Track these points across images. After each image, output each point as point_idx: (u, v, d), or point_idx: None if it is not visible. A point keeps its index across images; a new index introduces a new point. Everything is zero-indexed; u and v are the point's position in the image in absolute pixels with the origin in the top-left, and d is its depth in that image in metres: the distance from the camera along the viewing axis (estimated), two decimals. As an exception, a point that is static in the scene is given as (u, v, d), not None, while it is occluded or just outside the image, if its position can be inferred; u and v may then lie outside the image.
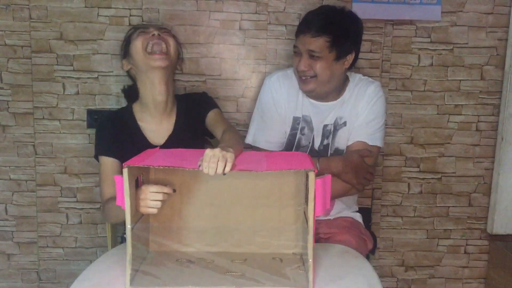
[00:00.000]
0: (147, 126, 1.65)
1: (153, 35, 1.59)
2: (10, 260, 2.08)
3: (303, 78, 1.66)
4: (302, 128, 1.75)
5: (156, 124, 1.66)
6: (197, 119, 1.68)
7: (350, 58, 1.67)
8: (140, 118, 1.66)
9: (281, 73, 1.78)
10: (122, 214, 1.39)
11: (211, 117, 1.68)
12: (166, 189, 1.24)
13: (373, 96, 1.72)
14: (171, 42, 1.63)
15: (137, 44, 1.60)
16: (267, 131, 1.76)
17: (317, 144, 1.76)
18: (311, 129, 1.75)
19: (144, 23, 1.90)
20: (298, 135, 1.76)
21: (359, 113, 1.72)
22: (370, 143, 1.71)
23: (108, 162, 1.57)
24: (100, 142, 1.62)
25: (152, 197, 1.22)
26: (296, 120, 1.75)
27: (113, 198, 1.41)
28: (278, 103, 1.74)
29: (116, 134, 1.61)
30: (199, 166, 1.13)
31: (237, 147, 1.34)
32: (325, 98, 1.73)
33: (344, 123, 1.73)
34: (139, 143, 1.61)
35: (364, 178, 1.69)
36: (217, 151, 1.15)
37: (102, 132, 1.63)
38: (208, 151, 1.16)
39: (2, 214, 2.05)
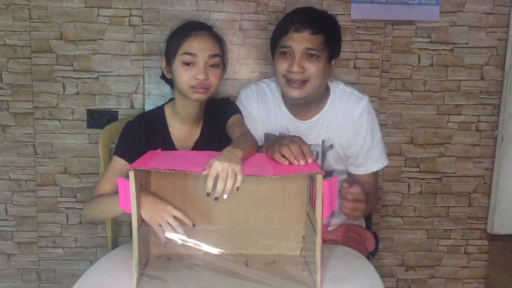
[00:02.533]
0: (176, 132, 1.60)
1: (199, 79, 1.48)
2: (10, 260, 2.08)
3: (294, 83, 1.52)
4: None
5: (184, 130, 1.61)
6: (221, 125, 1.63)
7: (334, 62, 1.60)
8: (171, 124, 1.60)
9: (254, 86, 1.71)
10: (108, 214, 1.44)
11: (231, 122, 1.61)
12: (187, 221, 1.24)
13: (365, 120, 1.60)
14: (216, 77, 1.51)
15: (181, 76, 1.50)
16: None
17: None
18: None
19: (192, 21, 1.61)
20: None
21: (354, 140, 1.61)
22: (377, 169, 1.66)
23: (120, 164, 1.49)
24: (123, 144, 1.54)
25: (170, 220, 1.21)
26: (268, 137, 1.66)
27: (106, 195, 1.43)
28: (250, 116, 1.67)
29: (144, 139, 1.54)
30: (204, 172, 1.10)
31: (248, 149, 1.32)
32: (304, 110, 1.62)
33: (331, 146, 1.64)
34: (166, 149, 1.53)
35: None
36: (225, 165, 1.10)
37: (128, 135, 1.55)
38: (216, 165, 1.10)
39: (2, 214, 2.04)
